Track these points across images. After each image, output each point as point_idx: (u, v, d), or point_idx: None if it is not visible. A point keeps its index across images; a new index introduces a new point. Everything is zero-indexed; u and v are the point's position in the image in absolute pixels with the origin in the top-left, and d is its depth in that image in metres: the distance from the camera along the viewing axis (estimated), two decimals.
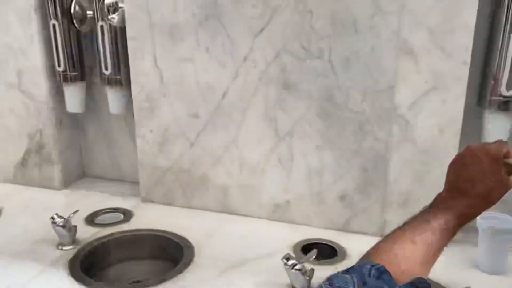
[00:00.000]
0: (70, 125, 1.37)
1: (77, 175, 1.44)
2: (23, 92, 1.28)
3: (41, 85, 1.26)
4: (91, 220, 1.15)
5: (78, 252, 0.99)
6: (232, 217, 1.17)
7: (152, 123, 1.18)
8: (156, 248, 1.08)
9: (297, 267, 0.83)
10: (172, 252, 1.06)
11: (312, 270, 0.85)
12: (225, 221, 1.15)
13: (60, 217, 1.00)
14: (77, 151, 1.42)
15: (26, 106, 1.29)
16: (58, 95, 1.29)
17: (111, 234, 1.07)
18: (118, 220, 1.16)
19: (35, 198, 1.29)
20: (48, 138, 1.31)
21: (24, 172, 1.36)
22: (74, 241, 1.02)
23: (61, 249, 1.00)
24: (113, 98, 1.23)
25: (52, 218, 0.99)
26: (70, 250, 1.00)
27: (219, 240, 1.06)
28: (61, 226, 0.98)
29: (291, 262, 0.84)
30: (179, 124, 1.16)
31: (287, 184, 1.11)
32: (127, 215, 1.18)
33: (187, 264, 0.94)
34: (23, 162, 1.36)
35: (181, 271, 0.92)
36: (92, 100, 1.35)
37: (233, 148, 1.13)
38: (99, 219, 1.18)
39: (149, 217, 1.17)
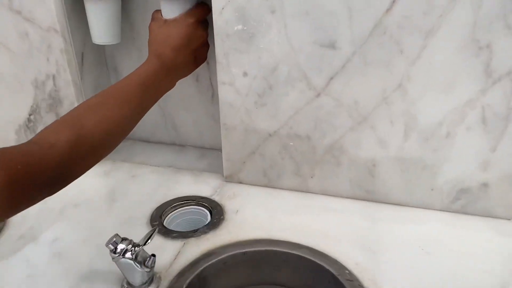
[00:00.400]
0: (98, 64, 0.88)
1: None
2: (17, 13, 0.77)
3: (47, 1, 0.75)
4: (159, 223, 0.71)
5: None
6: (383, 209, 0.74)
7: (247, 60, 0.70)
8: (284, 274, 0.65)
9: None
10: (312, 281, 0.63)
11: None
12: (377, 217, 0.72)
13: (124, 240, 0.55)
14: None
15: (25, 37, 0.79)
16: (77, 17, 0.79)
17: (209, 255, 0.63)
18: (205, 222, 0.72)
19: None
20: (65, 86, 0.82)
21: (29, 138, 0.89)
22: (152, 279, 0.58)
23: None
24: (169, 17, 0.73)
25: (112, 243, 0.54)
26: None
27: (393, 260, 0.62)
28: (129, 258, 0.54)
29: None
30: (298, 61, 0.67)
31: (490, 157, 0.67)
32: (214, 210, 0.74)
33: None
34: (29, 125, 0.89)
35: None
36: (130, 24, 0.84)
37: (396, 98, 0.66)
38: (172, 219, 0.74)
39: (252, 213, 0.73)
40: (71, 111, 0.57)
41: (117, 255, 0.54)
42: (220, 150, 0.93)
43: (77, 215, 0.74)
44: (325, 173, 0.75)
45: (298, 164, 0.76)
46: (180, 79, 0.72)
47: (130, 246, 0.55)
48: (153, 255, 0.56)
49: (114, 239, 0.54)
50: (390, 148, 0.70)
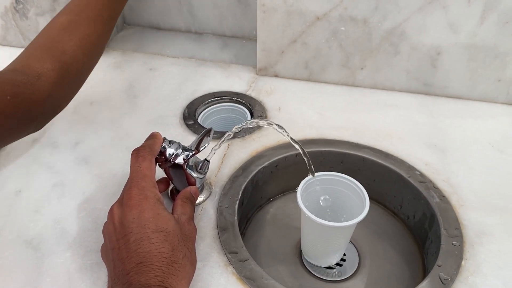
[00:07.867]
0: None
1: (116, 25, 0.84)
2: None
3: None
4: (194, 122, 0.62)
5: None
6: (442, 103, 0.66)
7: None
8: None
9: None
10: (375, 184, 0.58)
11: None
12: (437, 112, 0.64)
13: (172, 143, 0.46)
14: None
15: None
16: None
17: (259, 158, 0.55)
18: (249, 124, 0.63)
19: None
20: None
21: (19, 24, 0.75)
22: (203, 186, 0.51)
23: None
24: None
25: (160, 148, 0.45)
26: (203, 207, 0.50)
27: (464, 159, 0.56)
28: (181, 164, 0.46)
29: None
30: None
31: None
32: (254, 107, 0.65)
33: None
34: (18, 7, 0.74)
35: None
36: None
37: None
38: (205, 117, 0.65)
39: (297, 111, 0.65)
40: (44, 32, 0.48)
41: (165, 161, 0.46)
42: (243, 38, 0.82)
43: (95, 114, 0.64)
44: (378, 64, 0.66)
45: (348, 54, 0.66)
46: None
47: (181, 150, 0.46)
48: (207, 160, 0.48)
49: (167, 143, 0.46)
50: (461, 33, 0.61)
